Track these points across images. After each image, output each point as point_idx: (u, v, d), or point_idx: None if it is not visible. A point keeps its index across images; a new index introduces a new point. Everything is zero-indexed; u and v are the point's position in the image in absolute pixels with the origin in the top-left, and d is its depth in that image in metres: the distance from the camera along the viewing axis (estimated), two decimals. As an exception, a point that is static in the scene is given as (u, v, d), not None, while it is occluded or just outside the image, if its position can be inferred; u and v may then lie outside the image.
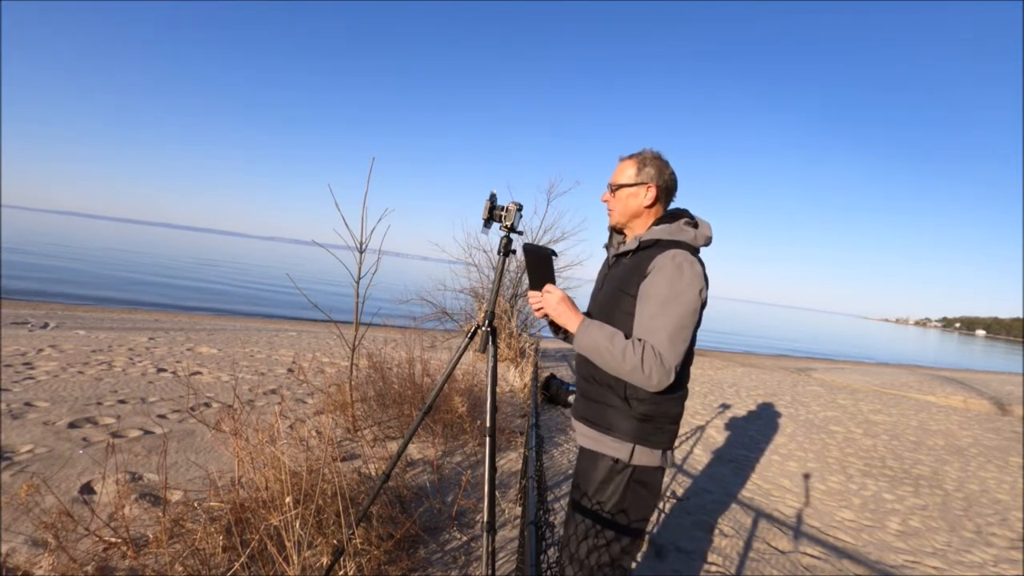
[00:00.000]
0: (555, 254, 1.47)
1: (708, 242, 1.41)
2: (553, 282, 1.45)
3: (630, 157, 1.46)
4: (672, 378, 1.23)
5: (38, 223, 79.49)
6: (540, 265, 1.44)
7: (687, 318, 1.26)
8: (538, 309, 1.44)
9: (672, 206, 1.50)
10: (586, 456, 1.41)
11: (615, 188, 1.46)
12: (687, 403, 1.39)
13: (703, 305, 1.31)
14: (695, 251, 1.36)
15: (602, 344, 1.28)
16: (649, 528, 1.35)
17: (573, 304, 1.41)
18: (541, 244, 1.49)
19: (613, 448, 1.35)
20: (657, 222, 1.42)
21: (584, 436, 1.44)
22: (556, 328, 1.56)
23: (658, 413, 1.34)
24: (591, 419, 1.41)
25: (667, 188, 1.44)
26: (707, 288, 1.32)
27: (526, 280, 8.71)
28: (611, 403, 1.37)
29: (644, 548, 2.55)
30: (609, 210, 1.50)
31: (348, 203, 3.33)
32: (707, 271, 1.35)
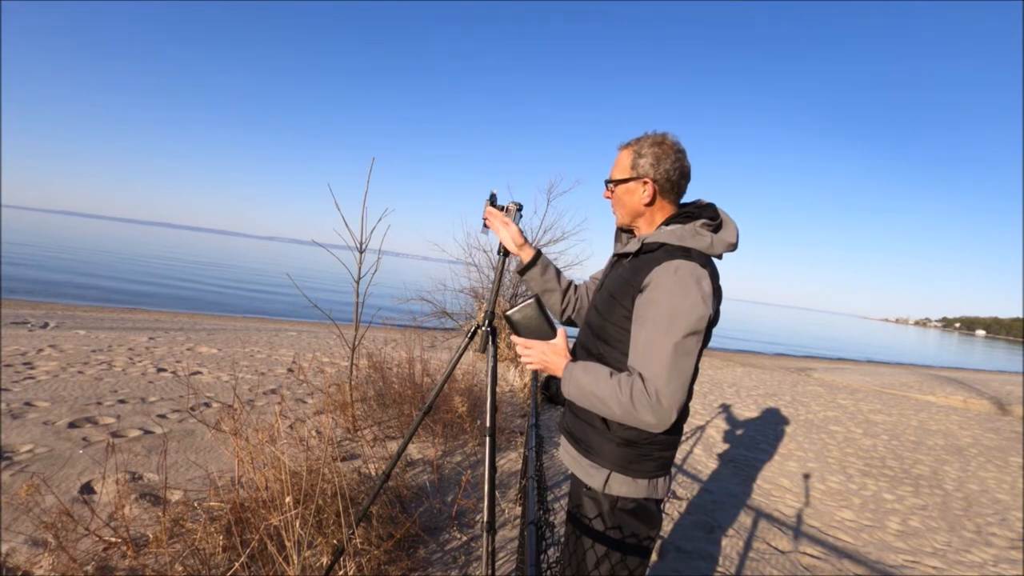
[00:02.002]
0: (538, 301, 1.31)
1: (729, 249, 1.19)
2: (550, 328, 1.30)
3: (627, 145, 1.26)
4: (675, 415, 1.05)
5: (38, 223, 79.48)
6: (529, 318, 1.30)
7: (691, 345, 1.06)
8: (528, 363, 1.29)
9: (690, 199, 1.28)
10: (572, 474, 1.30)
11: (611, 184, 1.29)
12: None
13: (713, 322, 1.13)
14: (708, 260, 1.13)
15: (587, 390, 1.13)
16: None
17: (559, 349, 1.25)
18: (520, 304, 1.31)
19: (588, 473, 1.22)
20: (668, 221, 1.21)
21: (564, 452, 1.33)
22: (546, 386, 1.46)
23: (642, 439, 1.17)
24: (574, 434, 1.29)
25: (669, 181, 1.21)
26: (719, 305, 1.13)
27: (524, 286, 8.75)
28: (592, 422, 1.23)
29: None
30: (612, 209, 1.33)
31: (348, 203, 3.33)
32: (720, 283, 1.15)
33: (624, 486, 1.18)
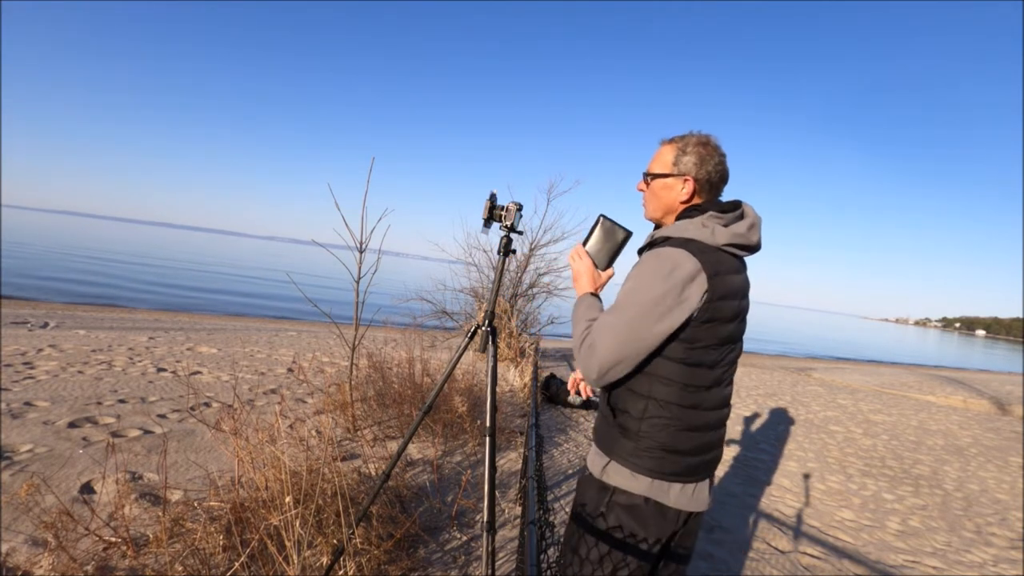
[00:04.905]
0: (630, 235, 1.36)
1: (739, 240, 1.15)
2: (609, 262, 1.37)
3: (671, 141, 1.25)
4: (596, 376, 1.12)
5: (38, 223, 79.48)
6: (607, 237, 1.36)
7: (644, 322, 1.08)
8: (570, 264, 1.38)
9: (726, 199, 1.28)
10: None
11: (649, 177, 1.27)
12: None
13: (708, 317, 1.10)
14: (709, 250, 1.13)
15: (578, 316, 1.24)
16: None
17: (595, 280, 1.33)
18: (620, 225, 1.36)
19: (593, 460, 1.24)
20: (680, 216, 1.22)
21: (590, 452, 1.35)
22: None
23: (640, 431, 1.16)
24: (595, 427, 1.31)
25: (709, 182, 1.21)
26: (720, 296, 1.10)
27: (526, 280, 8.76)
28: (603, 412, 1.26)
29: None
30: (643, 202, 1.32)
31: (348, 203, 3.33)
32: (725, 274, 1.12)
33: (620, 477, 1.17)
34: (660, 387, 1.15)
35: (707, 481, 1.23)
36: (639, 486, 1.16)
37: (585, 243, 1.38)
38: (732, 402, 1.37)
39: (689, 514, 1.21)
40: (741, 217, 1.19)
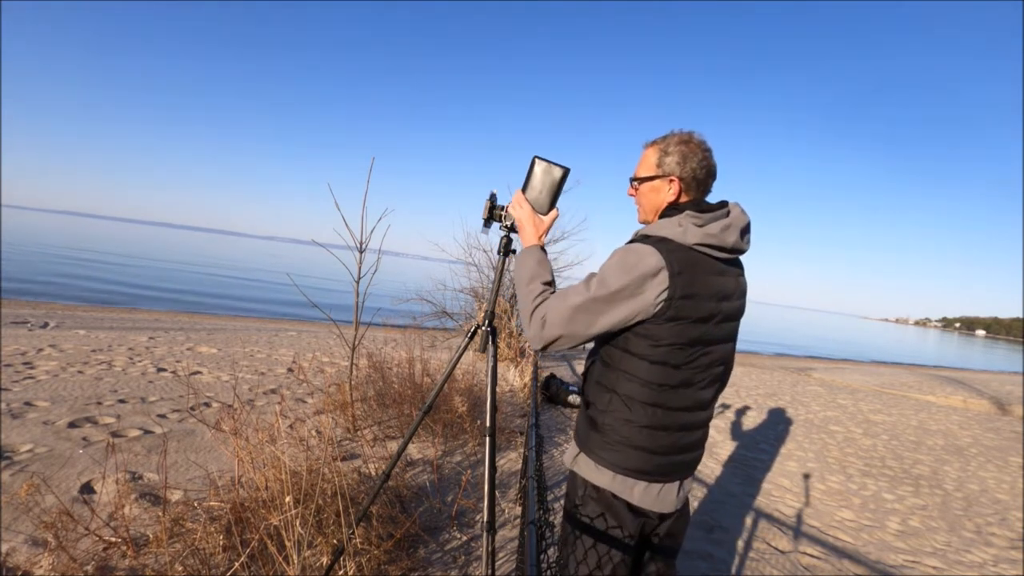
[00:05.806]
0: (568, 171, 1.36)
1: (712, 241, 1.13)
2: (551, 203, 1.37)
3: (652, 144, 1.25)
4: (541, 344, 1.16)
5: (38, 223, 79.48)
6: (544, 178, 1.36)
7: (595, 303, 1.11)
8: (512, 211, 1.40)
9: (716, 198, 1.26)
10: None
11: (636, 182, 1.28)
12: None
13: (671, 315, 1.10)
14: (680, 249, 1.12)
15: (524, 276, 1.25)
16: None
17: (538, 227, 1.35)
18: (556, 163, 1.37)
19: (568, 450, 1.30)
20: (662, 215, 1.23)
21: None
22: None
23: (607, 425, 1.18)
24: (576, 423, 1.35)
25: (695, 179, 1.19)
26: (683, 293, 1.09)
27: None
28: (582, 403, 1.31)
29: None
30: (636, 206, 1.32)
31: (348, 203, 3.33)
32: (693, 273, 1.11)
33: (587, 468, 1.22)
34: (624, 382, 1.17)
35: (677, 483, 1.22)
36: (603, 479, 1.18)
37: (524, 189, 1.39)
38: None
39: (670, 512, 1.23)
40: (724, 217, 1.17)
